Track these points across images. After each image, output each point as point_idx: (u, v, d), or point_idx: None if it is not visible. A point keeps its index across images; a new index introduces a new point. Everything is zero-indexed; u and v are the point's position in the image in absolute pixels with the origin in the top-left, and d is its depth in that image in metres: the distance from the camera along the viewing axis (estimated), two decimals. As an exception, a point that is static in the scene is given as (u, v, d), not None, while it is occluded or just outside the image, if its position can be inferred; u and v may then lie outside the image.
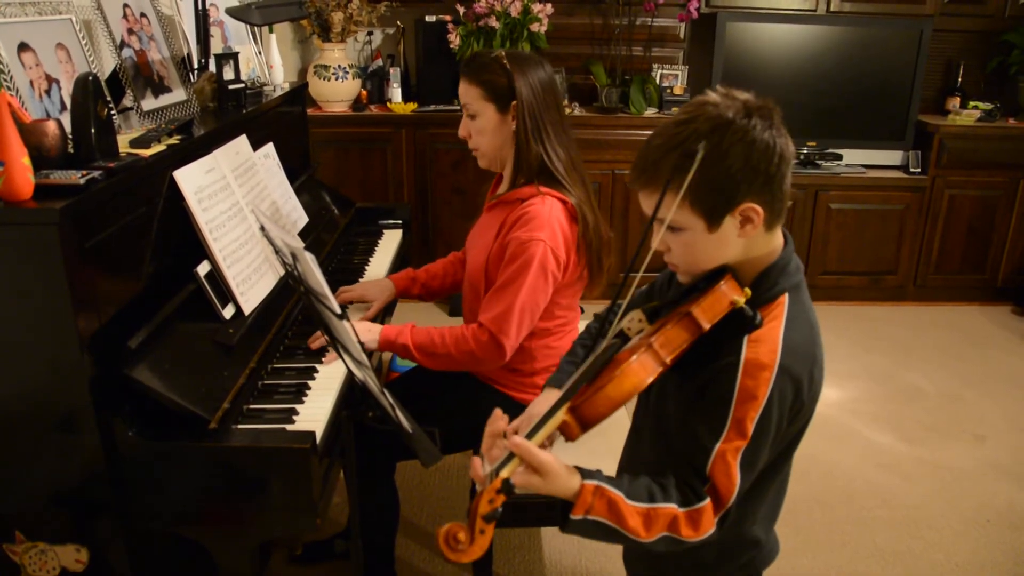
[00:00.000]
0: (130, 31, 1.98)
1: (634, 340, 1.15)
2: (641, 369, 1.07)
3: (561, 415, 1.09)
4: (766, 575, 1.39)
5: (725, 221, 1.11)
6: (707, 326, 1.09)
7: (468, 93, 1.85)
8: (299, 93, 2.83)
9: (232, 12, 2.22)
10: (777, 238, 1.18)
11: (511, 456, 1.08)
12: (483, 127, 1.86)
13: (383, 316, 2.27)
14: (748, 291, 1.12)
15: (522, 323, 1.79)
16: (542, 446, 1.10)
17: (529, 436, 1.08)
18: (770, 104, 1.11)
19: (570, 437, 1.10)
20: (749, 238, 1.13)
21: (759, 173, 1.08)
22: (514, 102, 1.81)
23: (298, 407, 1.63)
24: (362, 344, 1.87)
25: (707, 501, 1.10)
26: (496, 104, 1.83)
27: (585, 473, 1.12)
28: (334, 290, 2.07)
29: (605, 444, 1.70)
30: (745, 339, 1.11)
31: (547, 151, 1.83)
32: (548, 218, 1.78)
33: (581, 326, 2.06)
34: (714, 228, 1.11)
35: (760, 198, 1.09)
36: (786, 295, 1.15)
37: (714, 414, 1.11)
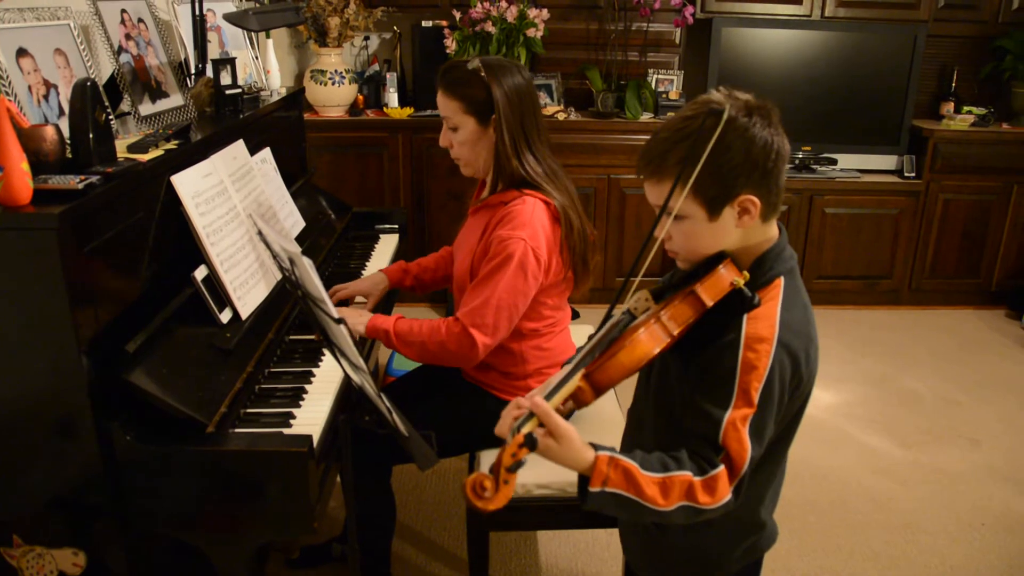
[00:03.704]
0: (128, 36, 1.98)
1: (641, 318, 1.22)
2: (651, 339, 1.16)
3: (576, 381, 1.17)
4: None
5: (724, 211, 1.18)
6: (710, 303, 1.17)
7: (447, 107, 1.86)
8: (296, 98, 2.84)
9: (229, 17, 2.23)
10: (772, 228, 1.25)
11: (531, 415, 1.15)
12: (464, 139, 1.87)
13: (380, 311, 2.27)
14: (746, 274, 1.19)
15: (498, 320, 1.78)
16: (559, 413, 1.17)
17: (546, 399, 1.16)
18: (769, 105, 1.19)
19: (584, 402, 1.18)
20: (746, 228, 1.20)
21: (757, 167, 1.15)
22: (494, 115, 1.81)
23: (295, 411, 1.63)
24: (365, 341, 1.89)
25: (721, 468, 1.15)
26: (476, 117, 1.83)
27: (599, 447, 1.17)
28: (329, 291, 2.08)
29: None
30: (745, 317, 1.17)
31: (524, 163, 1.83)
32: (530, 218, 1.79)
33: (574, 330, 2.07)
34: (714, 217, 1.18)
35: (757, 191, 1.17)
36: (781, 278, 1.22)
37: (721, 387, 1.16)
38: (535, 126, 1.86)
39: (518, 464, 1.11)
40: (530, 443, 1.12)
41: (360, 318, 1.89)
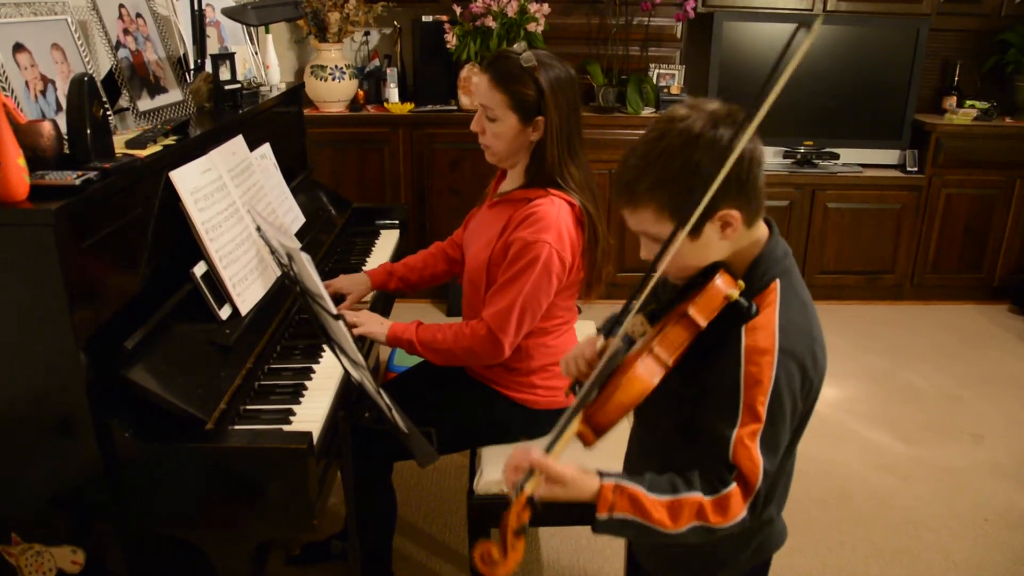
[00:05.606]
0: (126, 31, 1.97)
1: (639, 343, 1.18)
2: (646, 373, 1.12)
3: (576, 425, 1.14)
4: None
5: (705, 228, 1.14)
6: (704, 323, 1.13)
7: (492, 98, 1.79)
8: (296, 93, 2.83)
9: (228, 12, 2.22)
10: (760, 229, 1.21)
11: (533, 472, 1.12)
12: (501, 132, 1.82)
13: (376, 311, 2.26)
14: (742, 284, 1.15)
15: (522, 322, 1.79)
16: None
17: (547, 450, 1.13)
18: (735, 110, 1.13)
19: (587, 443, 1.15)
20: (731, 239, 1.16)
21: (732, 181, 1.09)
22: (539, 117, 1.78)
23: (295, 407, 1.63)
24: (364, 338, 1.87)
25: (734, 486, 1.13)
26: (520, 115, 1.79)
27: (604, 474, 1.15)
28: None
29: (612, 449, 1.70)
30: (743, 329, 1.14)
31: (564, 169, 1.81)
32: (556, 220, 1.77)
33: (578, 327, 2.06)
34: (696, 237, 1.14)
35: (736, 202, 1.13)
36: (777, 281, 1.18)
37: (726, 404, 1.14)
38: (578, 130, 1.85)
39: (523, 528, 1.10)
40: (533, 505, 1.11)
41: (380, 328, 1.87)
